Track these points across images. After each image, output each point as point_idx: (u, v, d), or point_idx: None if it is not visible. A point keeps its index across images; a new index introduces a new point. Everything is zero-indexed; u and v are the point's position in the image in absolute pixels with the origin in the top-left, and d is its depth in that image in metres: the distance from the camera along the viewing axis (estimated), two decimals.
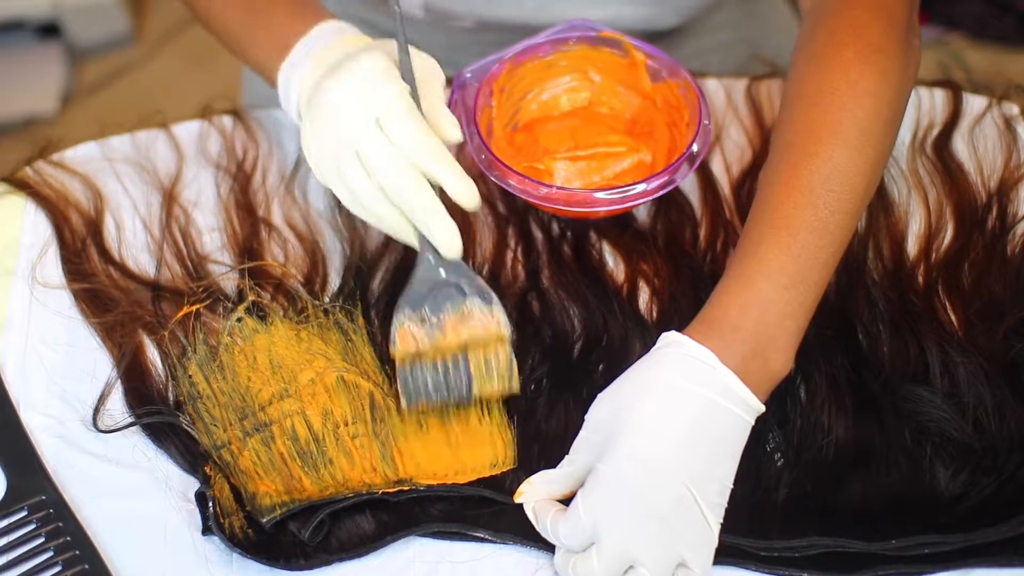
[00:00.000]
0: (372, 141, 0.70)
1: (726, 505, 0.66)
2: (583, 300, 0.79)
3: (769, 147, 0.76)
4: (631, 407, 0.66)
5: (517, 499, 0.69)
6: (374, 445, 0.72)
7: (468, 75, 0.85)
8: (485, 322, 0.72)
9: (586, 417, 0.69)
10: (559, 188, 0.80)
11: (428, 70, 0.74)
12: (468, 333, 0.71)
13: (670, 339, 0.69)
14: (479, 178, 0.87)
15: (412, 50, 0.74)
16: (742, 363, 0.67)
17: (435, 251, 0.71)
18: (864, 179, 0.72)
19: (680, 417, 0.65)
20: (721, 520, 0.66)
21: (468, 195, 0.70)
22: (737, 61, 1.04)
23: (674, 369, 0.67)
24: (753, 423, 0.68)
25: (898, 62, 0.74)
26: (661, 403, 0.66)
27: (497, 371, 0.72)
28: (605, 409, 0.68)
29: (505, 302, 0.79)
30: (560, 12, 0.92)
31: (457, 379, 0.71)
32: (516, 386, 0.72)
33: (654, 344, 0.71)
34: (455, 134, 0.72)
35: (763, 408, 0.68)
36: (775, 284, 0.69)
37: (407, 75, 0.72)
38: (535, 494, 0.69)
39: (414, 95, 0.72)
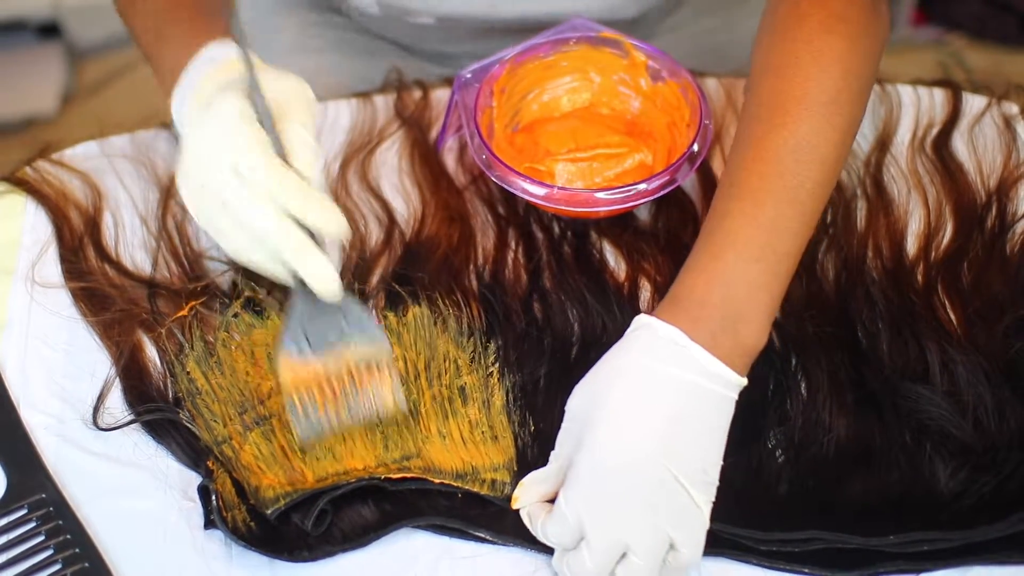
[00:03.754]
0: (233, 189, 0.67)
1: (717, 483, 0.66)
2: (582, 301, 0.79)
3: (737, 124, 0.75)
4: (604, 394, 0.66)
5: (514, 506, 0.69)
6: (375, 437, 0.72)
7: (468, 75, 0.85)
8: (368, 345, 0.70)
9: (566, 408, 0.68)
10: (560, 188, 0.80)
11: (292, 93, 0.70)
12: (352, 358, 0.70)
13: (640, 322, 0.68)
14: (479, 178, 0.88)
15: (275, 73, 0.71)
16: (711, 339, 0.66)
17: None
18: (834, 149, 0.71)
19: (654, 399, 0.65)
20: (712, 499, 0.65)
21: (333, 225, 0.67)
22: (704, 50, 1.03)
23: (645, 351, 0.67)
24: (736, 397, 0.67)
25: (864, 29, 0.73)
26: (633, 387, 0.66)
27: (386, 392, 0.71)
28: (581, 398, 0.68)
29: (507, 303, 0.79)
30: (515, 6, 0.92)
31: (347, 406, 0.70)
32: (404, 407, 0.71)
33: None
34: (308, 168, 0.68)
35: (744, 381, 0.67)
36: (742, 257, 0.68)
37: (262, 113, 0.69)
38: (528, 497, 0.68)
39: (271, 132, 0.68)
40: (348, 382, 0.70)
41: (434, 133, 0.91)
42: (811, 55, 0.72)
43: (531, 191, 0.79)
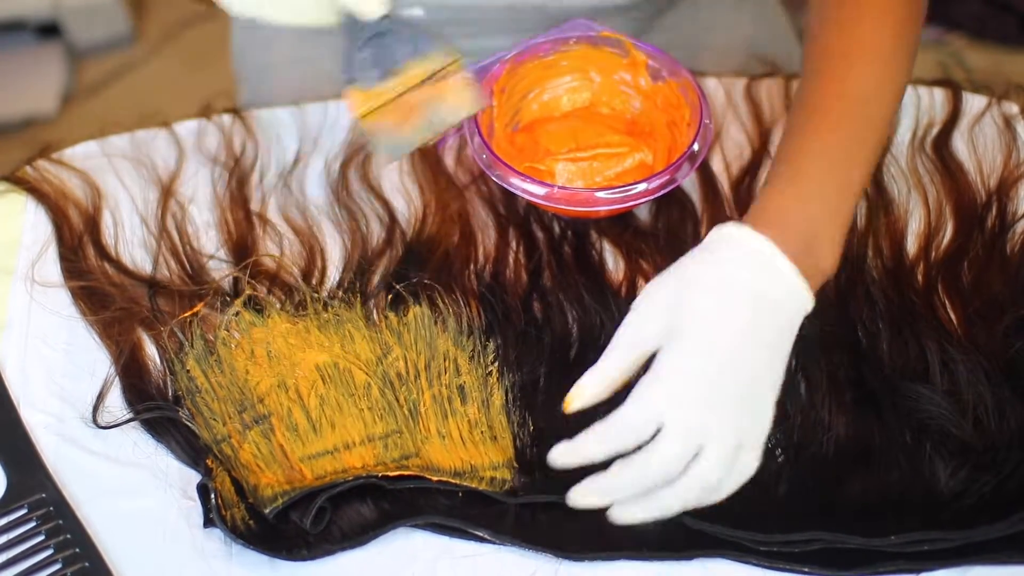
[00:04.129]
0: None
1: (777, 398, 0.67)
2: (581, 301, 0.79)
3: (803, 67, 0.77)
4: (691, 300, 0.67)
5: (569, 407, 0.68)
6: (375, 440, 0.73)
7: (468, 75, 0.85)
8: (436, 59, 0.70)
9: (633, 306, 0.68)
10: (560, 187, 0.80)
11: None
12: (423, 73, 0.70)
13: (723, 231, 0.69)
14: (480, 178, 0.88)
15: None
16: (794, 257, 0.68)
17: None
18: (894, 100, 0.74)
19: (741, 307, 0.66)
20: (774, 408, 0.67)
21: None
22: (742, 57, 1.03)
23: (730, 259, 0.68)
24: (801, 321, 0.68)
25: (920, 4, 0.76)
26: (722, 293, 0.67)
27: (465, 100, 0.70)
28: (658, 300, 0.68)
29: (507, 302, 0.79)
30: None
31: (428, 119, 0.70)
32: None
33: None
34: None
35: (812, 305, 0.68)
36: (822, 181, 0.70)
37: None
38: (586, 397, 0.68)
39: None
40: (423, 94, 0.69)
41: None
42: (876, 8, 0.74)
43: (531, 191, 0.79)
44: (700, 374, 0.65)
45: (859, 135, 0.72)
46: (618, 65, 0.87)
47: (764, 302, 0.67)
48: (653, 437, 0.65)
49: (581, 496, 0.67)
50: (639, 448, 0.65)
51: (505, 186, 0.80)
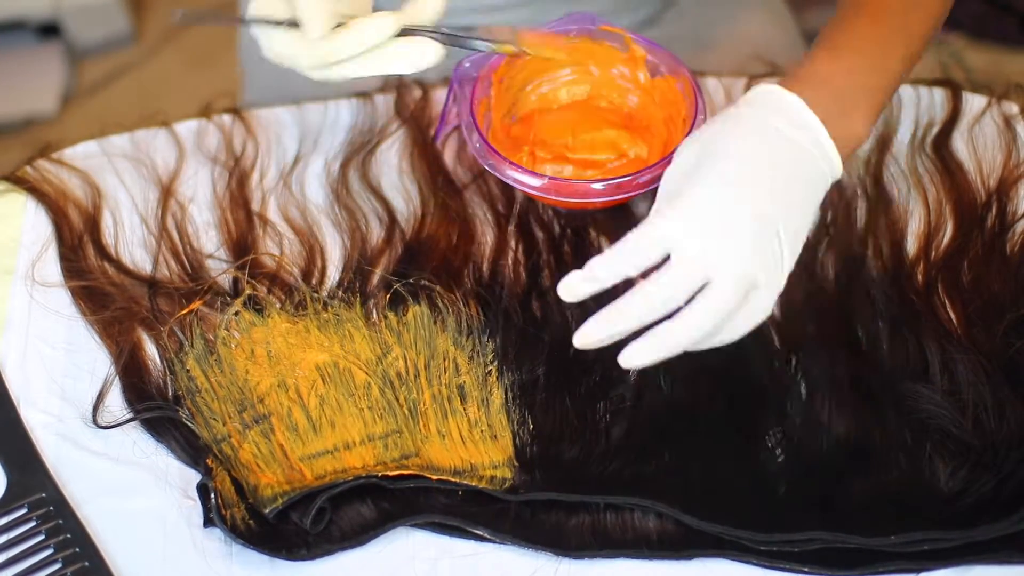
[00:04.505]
0: None
1: (799, 254, 0.67)
2: (581, 301, 0.79)
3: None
4: (721, 142, 0.68)
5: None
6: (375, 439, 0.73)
7: (467, 65, 0.85)
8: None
9: (674, 158, 0.70)
10: (555, 178, 0.80)
11: None
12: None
13: (759, 88, 0.71)
14: (480, 176, 0.88)
15: None
16: (828, 117, 0.69)
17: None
18: (932, 21, 0.78)
19: (769, 149, 0.68)
20: (795, 259, 0.67)
21: None
22: (743, 57, 1.03)
23: (764, 110, 0.69)
24: (830, 186, 0.69)
25: None
26: (751, 137, 0.68)
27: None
28: (692, 149, 0.69)
29: (506, 301, 0.79)
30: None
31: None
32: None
33: None
34: None
35: (840, 172, 0.70)
36: (863, 53, 0.72)
37: None
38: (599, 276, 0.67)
39: None
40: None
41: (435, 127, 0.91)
42: None
43: (526, 182, 0.79)
44: (715, 201, 0.66)
45: (898, 34, 0.74)
46: (617, 59, 0.87)
47: (793, 150, 0.68)
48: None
49: (584, 336, 0.66)
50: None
51: (501, 177, 0.79)
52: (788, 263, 0.67)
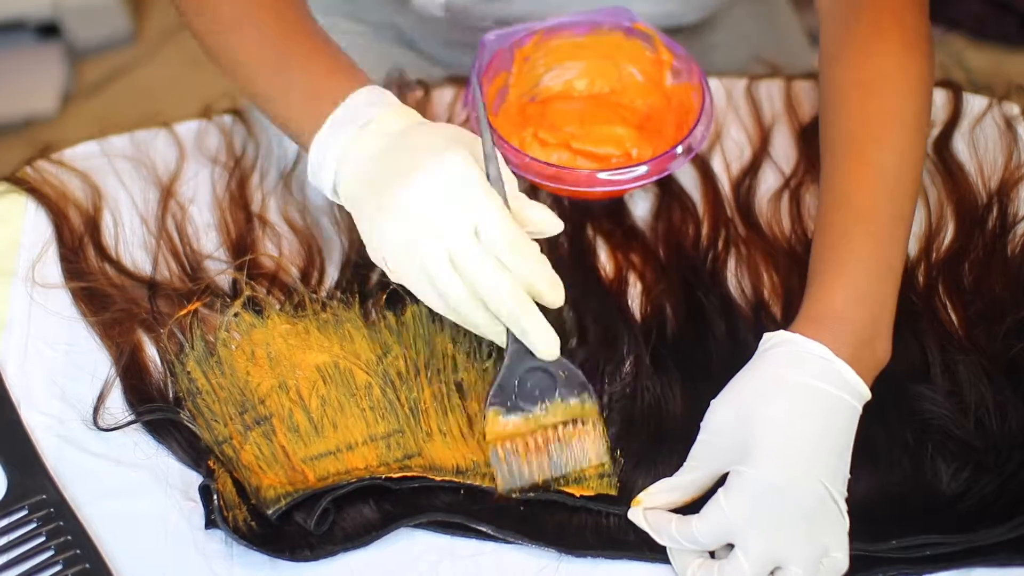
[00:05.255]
0: (468, 249, 0.67)
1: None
2: (576, 297, 0.79)
3: (822, 134, 0.77)
4: (761, 409, 0.67)
5: (635, 509, 0.69)
6: (377, 440, 0.72)
7: (492, 37, 0.84)
8: (575, 401, 0.71)
9: (703, 424, 0.69)
10: (560, 167, 0.80)
11: (502, 166, 0.71)
12: (560, 414, 0.71)
13: (780, 338, 0.69)
14: None
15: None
16: (853, 354, 0.68)
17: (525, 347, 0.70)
18: (921, 165, 0.74)
19: (810, 414, 0.67)
20: (846, 508, 0.67)
21: (559, 296, 0.69)
22: (744, 57, 1.04)
23: (793, 366, 0.68)
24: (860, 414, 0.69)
25: (932, 48, 0.77)
26: (790, 402, 0.67)
27: (590, 448, 0.71)
28: (726, 414, 0.68)
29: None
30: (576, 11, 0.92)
31: (550, 459, 0.71)
32: (609, 466, 0.71)
33: (636, 341, 0.74)
34: (553, 225, 0.71)
35: (869, 395, 0.69)
36: (871, 276, 0.71)
37: (495, 178, 0.69)
38: (655, 501, 0.69)
39: (503, 196, 0.69)
40: (553, 436, 0.71)
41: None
42: (900, 71, 0.75)
43: (532, 168, 0.79)
44: (774, 488, 0.65)
45: (895, 214, 0.73)
46: (644, 60, 0.87)
47: (829, 405, 0.67)
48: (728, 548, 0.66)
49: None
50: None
51: (507, 166, 0.79)
52: (845, 517, 0.66)
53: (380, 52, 1.02)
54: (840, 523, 0.66)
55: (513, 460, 0.71)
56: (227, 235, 0.85)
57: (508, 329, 0.69)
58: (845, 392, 0.67)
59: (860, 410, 0.68)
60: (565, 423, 0.71)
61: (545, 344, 0.69)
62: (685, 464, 0.69)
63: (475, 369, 0.76)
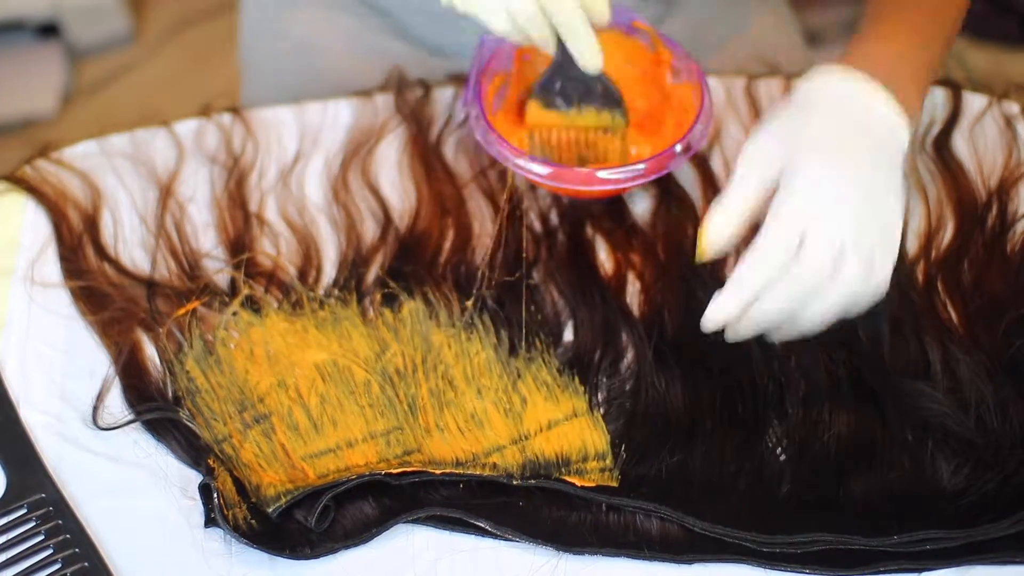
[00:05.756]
0: None
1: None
2: (576, 296, 0.80)
3: None
4: (809, 120, 0.71)
5: (705, 254, 0.71)
6: (376, 436, 0.72)
7: (492, 37, 0.85)
8: (609, 114, 0.80)
9: (746, 147, 0.71)
10: (558, 166, 0.80)
11: None
12: (592, 120, 0.80)
13: (821, 68, 0.73)
14: (480, 173, 0.87)
15: None
16: (888, 87, 0.72)
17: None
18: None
19: (857, 124, 0.71)
20: (901, 221, 0.70)
21: (604, 12, 0.76)
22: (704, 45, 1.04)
23: (835, 85, 0.72)
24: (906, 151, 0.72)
25: None
26: (837, 111, 0.71)
27: (612, 154, 0.81)
28: (776, 127, 0.71)
29: (499, 294, 0.79)
30: None
31: (576, 154, 0.80)
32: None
33: (639, 337, 0.75)
34: None
35: (909, 137, 0.72)
36: (910, 39, 0.76)
37: None
38: (725, 232, 0.70)
39: None
40: (583, 137, 0.81)
41: (439, 123, 0.92)
42: None
43: (531, 168, 0.79)
44: (832, 186, 0.68)
45: (937, 18, 0.78)
46: (644, 58, 0.87)
47: (877, 120, 0.71)
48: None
49: (720, 310, 0.69)
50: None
51: (506, 164, 0.79)
52: (899, 227, 0.70)
53: (373, 45, 1.02)
54: (891, 232, 0.69)
55: (544, 146, 0.80)
56: (225, 234, 0.85)
57: (559, 38, 0.76)
58: (888, 110, 0.71)
59: (904, 139, 0.71)
60: (596, 129, 0.80)
61: (591, 55, 0.76)
62: (731, 184, 0.70)
63: (473, 364, 0.76)
